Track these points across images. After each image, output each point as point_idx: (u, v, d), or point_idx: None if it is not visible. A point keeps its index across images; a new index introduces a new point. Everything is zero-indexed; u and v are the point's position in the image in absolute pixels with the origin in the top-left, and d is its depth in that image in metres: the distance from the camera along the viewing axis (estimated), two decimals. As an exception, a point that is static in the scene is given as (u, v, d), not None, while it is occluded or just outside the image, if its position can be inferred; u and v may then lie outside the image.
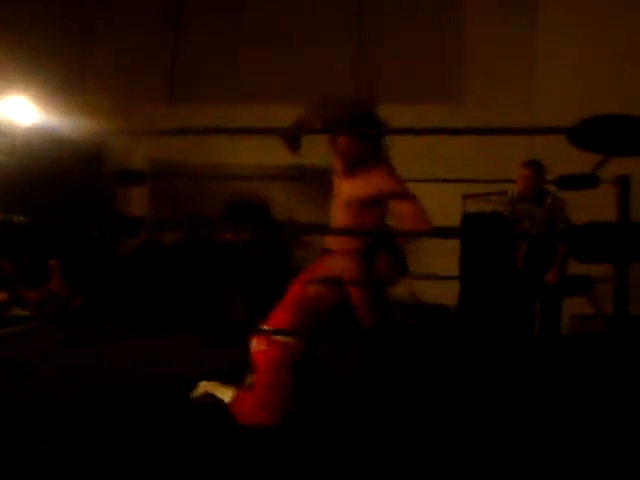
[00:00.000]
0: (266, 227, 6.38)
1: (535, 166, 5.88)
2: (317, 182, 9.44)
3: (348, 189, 3.97)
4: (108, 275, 9.38)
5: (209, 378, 4.16)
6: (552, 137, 2.70)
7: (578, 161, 3.43)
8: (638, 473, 2.81)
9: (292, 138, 4.01)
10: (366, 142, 3.88)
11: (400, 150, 9.01)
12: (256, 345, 3.77)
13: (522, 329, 6.10)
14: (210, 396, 3.99)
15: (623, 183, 2.78)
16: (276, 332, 3.67)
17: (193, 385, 4.15)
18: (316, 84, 10.17)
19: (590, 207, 3.52)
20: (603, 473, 2.95)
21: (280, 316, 3.77)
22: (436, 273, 7.62)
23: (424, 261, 8.32)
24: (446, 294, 8.73)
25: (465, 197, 8.94)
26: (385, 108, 9.19)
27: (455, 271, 8.70)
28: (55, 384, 4.47)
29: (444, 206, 8.68)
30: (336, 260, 3.78)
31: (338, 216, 4.01)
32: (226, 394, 3.92)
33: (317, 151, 4.15)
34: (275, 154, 4.31)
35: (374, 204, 3.93)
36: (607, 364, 3.01)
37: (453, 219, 8.66)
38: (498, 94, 9.40)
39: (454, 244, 8.78)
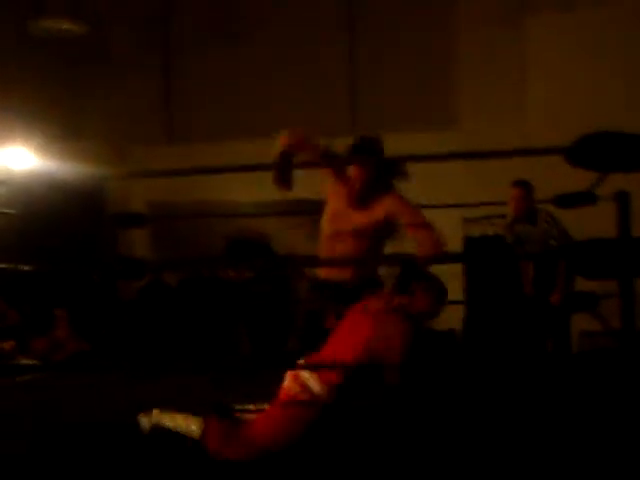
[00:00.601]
0: (267, 262, 6.39)
1: (524, 185, 5.89)
2: (315, 215, 9.48)
3: (360, 218, 3.95)
4: (112, 319, 9.36)
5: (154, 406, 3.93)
6: (549, 157, 2.71)
7: (578, 178, 3.44)
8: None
9: (284, 171, 3.95)
10: (378, 169, 3.87)
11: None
12: (290, 383, 3.59)
13: (531, 350, 6.08)
14: (161, 427, 3.77)
15: (623, 199, 2.79)
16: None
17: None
18: (313, 117, 10.24)
19: (589, 225, 3.52)
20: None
21: (330, 375, 3.54)
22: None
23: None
24: (452, 318, 8.71)
25: (466, 221, 8.96)
26: (386, 137, 9.24)
27: (459, 295, 8.70)
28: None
29: (445, 230, 8.70)
30: (379, 320, 3.58)
31: (345, 247, 3.97)
32: (183, 423, 3.71)
33: (315, 185, 4.16)
34: (273, 190, 4.29)
35: (388, 231, 3.94)
36: (616, 380, 3.00)
37: (454, 243, 8.68)
38: (492, 117, 9.46)
39: (457, 268, 8.79)
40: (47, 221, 8.67)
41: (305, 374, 3.52)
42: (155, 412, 3.81)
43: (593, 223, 3.77)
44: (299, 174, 3.95)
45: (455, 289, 8.54)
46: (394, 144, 8.35)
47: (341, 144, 4.18)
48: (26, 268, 2.89)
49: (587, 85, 9.07)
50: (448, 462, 3.34)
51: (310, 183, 4.21)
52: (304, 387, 3.50)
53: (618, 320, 2.80)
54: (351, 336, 3.58)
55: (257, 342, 8.24)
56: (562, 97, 9.17)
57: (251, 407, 3.86)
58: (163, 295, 9.52)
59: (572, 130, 1.94)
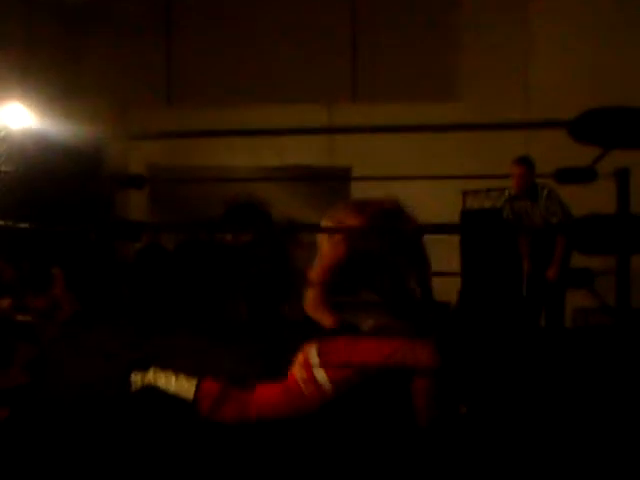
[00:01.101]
0: (265, 228, 6.38)
1: (526, 162, 5.88)
2: (313, 182, 9.49)
3: None
4: (109, 280, 9.37)
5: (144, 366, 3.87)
6: (549, 131, 2.70)
7: (577, 155, 3.43)
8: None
9: None
10: None
11: (400, 148, 9.07)
12: (299, 369, 3.54)
13: (525, 323, 6.10)
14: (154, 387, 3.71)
15: (622, 176, 2.78)
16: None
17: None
18: (314, 85, 10.19)
19: (589, 201, 3.52)
20: (608, 465, 2.95)
21: (340, 373, 3.48)
22: (436, 270, 7.61)
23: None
24: (447, 291, 8.74)
25: (465, 193, 8.96)
26: (385, 108, 9.25)
27: (455, 267, 8.71)
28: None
29: (444, 202, 8.75)
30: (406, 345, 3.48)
31: None
32: (177, 384, 3.68)
33: (312, 151, 4.14)
34: (271, 155, 4.26)
35: None
36: (610, 357, 3.01)
37: (453, 215, 8.68)
38: (495, 91, 9.41)
39: (454, 241, 8.80)
40: (44, 180, 8.64)
41: (316, 366, 3.49)
42: (150, 372, 3.77)
43: (592, 199, 3.76)
44: (296, 141, 3.90)
45: (452, 261, 8.60)
46: (394, 114, 8.37)
47: (341, 111, 4.13)
48: (22, 226, 2.88)
49: (590, 63, 9.03)
50: (442, 434, 3.35)
51: (307, 150, 4.18)
52: (311, 377, 3.47)
53: (612, 297, 2.80)
54: (376, 345, 3.52)
55: (254, 306, 8.26)
56: (565, 75, 9.13)
57: None
58: (160, 258, 9.53)
59: (574, 109, 1.92)
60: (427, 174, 6.95)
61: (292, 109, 9.15)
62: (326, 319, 3.69)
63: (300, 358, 3.59)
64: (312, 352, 3.57)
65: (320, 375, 3.46)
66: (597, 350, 5.57)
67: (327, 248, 3.75)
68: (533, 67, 9.41)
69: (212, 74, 10.66)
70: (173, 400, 3.62)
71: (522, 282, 6.21)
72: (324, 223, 3.82)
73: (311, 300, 3.76)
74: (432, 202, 8.88)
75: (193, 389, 3.61)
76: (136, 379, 3.76)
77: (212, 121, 8.82)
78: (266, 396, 3.60)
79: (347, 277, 3.77)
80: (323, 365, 3.47)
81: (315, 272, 3.78)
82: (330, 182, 9.67)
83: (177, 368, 4.29)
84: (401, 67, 10.07)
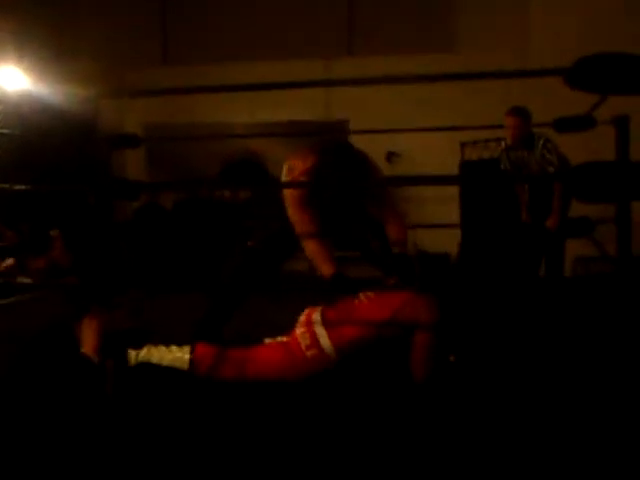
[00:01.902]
0: (263, 184, 6.35)
1: (520, 113, 5.83)
2: (311, 136, 9.44)
3: None
4: (107, 241, 9.37)
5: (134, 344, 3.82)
6: (547, 81, 2.68)
7: (575, 104, 3.40)
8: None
9: None
10: None
11: (397, 101, 9.01)
12: (302, 333, 3.53)
13: (525, 273, 6.11)
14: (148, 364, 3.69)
15: (622, 123, 2.76)
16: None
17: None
18: (311, 39, 10.12)
19: (588, 149, 3.50)
20: (602, 415, 2.98)
21: (343, 339, 3.45)
22: (437, 221, 7.64)
23: (424, 210, 8.38)
24: (447, 242, 8.77)
25: (463, 145, 8.94)
26: (382, 61, 9.15)
27: (455, 219, 8.73)
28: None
29: (443, 154, 8.74)
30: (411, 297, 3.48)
31: None
32: (171, 355, 3.65)
33: (309, 106, 4.11)
34: (268, 111, 4.24)
35: None
36: (611, 305, 3.01)
37: (452, 167, 8.68)
38: (494, 41, 9.34)
39: (454, 192, 8.80)
40: (41, 143, 8.61)
41: (320, 330, 3.48)
42: (145, 349, 3.73)
43: (592, 148, 3.74)
44: (293, 96, 3.89)
45: (452, 213, 8.61)
46: (391, 67, 8.28)
47: (338, 65, 4.10)
48: (20, 188, 2.87)
49: (590, 14, 8.92)
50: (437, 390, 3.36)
51: (304, 104, 4.15)
52: (315, 342, 3.46)
53: (612, 246, 2.80)
54: (378, 303, 3.51)
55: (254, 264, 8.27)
56: (564, 25, 9.03)
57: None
58: (159, 217, 9.52)
59: (574, 55, 1.91)
60: (425, 126, 6.91)
61: (288, 65, 9.10)
62: (325, 268, 3.71)
63: (303, 320, 3.58)
64: (316, 316, 3.55)
65: (323, 340, 3.45)
66: (598, 298, 5.58)
67: (284, 191, 3.88)
68: (531, 17, 9.31)
69: (208, 32, 10.59)
70: (168, 372, 3.61)
71: (521, 232, 6.21)
72: (283, 171, 3.97)
73: (307, 244, 3.80)
74: (430, 154, 8.91)
75: (187, 357, 3.59)
76: (130, 356, 3.74)
77: (208, 79, 8.78)
78: (266, 356, 3.58)
79: (320, 211, 3.85)
80: (327, 329, 3.46)
81: (289, 213, 3.86)
82: (328, 136, 9.64)
83: (175, 329, 4.28)
84: (397, 19, 10.00)
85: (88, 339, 3.13)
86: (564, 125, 3.39)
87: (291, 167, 3.87)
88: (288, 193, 3.86)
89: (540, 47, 8.76)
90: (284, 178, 3.97)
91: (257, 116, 9.41)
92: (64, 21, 10.10)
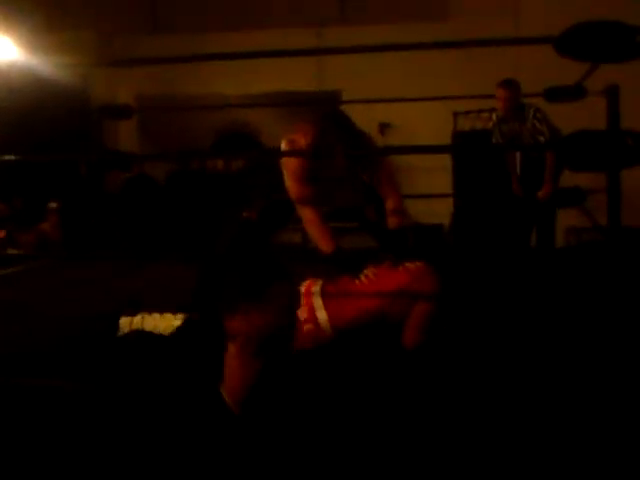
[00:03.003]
0: (255, 154, 6.34)
1: (510, 85, 5.82)
2: (304, 107, 9.42)
3: None
4: (98, 211, 9.37)
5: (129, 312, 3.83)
6: (539, 51, 2.68)
7: (566, 73, 3.40)
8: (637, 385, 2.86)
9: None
10: None
11: (390, 70, 8.97)
12: (300, 299, 3.40)
13: (516, 243, 6.14)
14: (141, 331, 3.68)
15: (612, 93, 2.77)
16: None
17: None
18: (302, 7, 10.05)
19: (579, 119, 3.50)
20: (595, 380, 3.00)
21: (342, 315, 3.36)
22: (430, 192, 7.64)
23: (417, 181, 8.37)
24: (440, 213, 8.78)
25: (456, 114, 8.92)
26: (374, 28, 9.09)
27: (448, 190, 8.74)
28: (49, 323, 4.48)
29: (436, 124, 8.73)
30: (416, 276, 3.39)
31: None
32: (164, 323, 3.66)
33: (302, 76, 4.09)
34: (260, 82, 4.22)
35: None
36: (601, 275, 3.03)
37: (445, 137, 8.67)
38: (484, 10, 9.28)
39: (446, 163, 8.81)
40: (32, 114, 8.57)
41: (318, 302, 3.38)
42: (139, 316, 3.73)
43: (583, 118, 3.74)
44: (285, 66, 3.87)
45: (445, 183, 8.62)
46: (384, 36, 8.24)
47: (330, 34, 4.08)
48: (9, 158, 2.85)
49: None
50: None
51: (296, 75, 4.14)
52: (312, 316, 3.35)
53: (603, 216, 2.82)
54: (380, 282, 3.41)
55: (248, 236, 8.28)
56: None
57: None
58: (148, 188, 9.52)
59: (566, 23, 1.90)
60: (417, 96, 6.89)
61: (280, 33, 9.04)
62: (324, 243, 3.71)
63: (302, 291, 3.52)
64: (316, 288, 3.50)
65: (320, 314, 3.35)
66: (588, 267, 5.61)
67: (283, 165, 3.83)
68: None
69: (198, 0, 10.49)
70: (161, 339, 3.60)
71: (512, 204, 6.23)
72: (282, 146, 3.89)
73: (307, 219, 3.79)
74: (423, 124, 8.89)
75: (180, 324, 3.58)
76: (124, 323, 3.73)
77: (199, 49, 8.72)
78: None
79: (319, 183, 3.82)
80: (326, 303, 3.37)
81: (288, 187, 3.83)
82: (321, 107, 9.61)
83: (166, 299, 4.28)
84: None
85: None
86: (555, 95, 3.39)
87: (291, 141, 3.85)
88: (288, 167, 3.84)
89: (532, 15, 8.72)
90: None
91: (249, 87, 9.36)
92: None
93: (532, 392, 2.94)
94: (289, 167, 3.82)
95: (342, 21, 10.06)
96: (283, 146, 3.90)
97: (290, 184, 3.84)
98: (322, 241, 3.72)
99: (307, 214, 3.80)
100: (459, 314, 3.97)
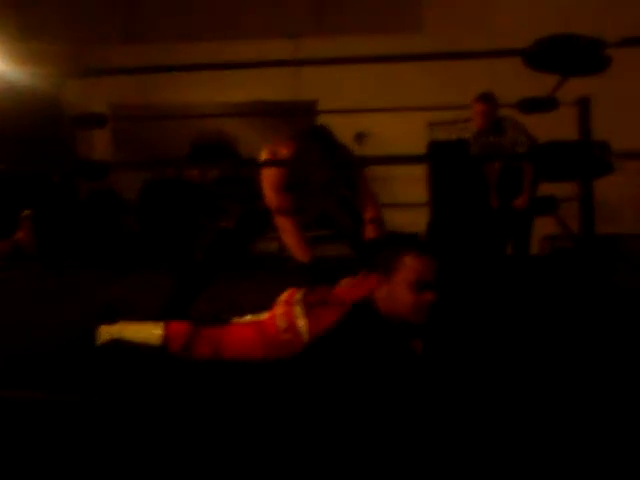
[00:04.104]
0: (231, 163, 6.35)
1: (488, 99, 5.85)
2: (279, 117, 9.43)
3: None
4: (72, 221, 9.34)
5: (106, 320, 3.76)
6: (513, 61, 2.71)
7: (541, 83, 3.44)
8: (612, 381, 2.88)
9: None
10: None
11: (366, 81, 9.01)
12: (281, 314, 3.40)
13: (493, 252, 6.17)
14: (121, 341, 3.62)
15: (584, 104, 2.81)
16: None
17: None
18: (278, 19, 10.08)
19: (551, 130, 3.54)
20: (572, 386, 3.02)
21: (321, 325, 3.29)
22: (406, 201, 7.68)
23: (394, 190, 8.41)
24: (417, 222, 8.81)
25: (431, 125, 8.98)
26: (350, 39, 9.12)
27: (423, 199, 8.79)
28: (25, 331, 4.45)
29: (411, 134, 8.77)
30: None
31: None
32: (144, 332, 3.60)
33: (278, 86, 4.11)
34: (236, 91, 4.23)
35: None
36: (575, 280, 3.06)
37: (420, 147, 8.71)
38: (459, 21, 9.36)
39: (423, 172, 8.86)
40: (5, 124, 8.52)
41: (299, 311, 3.36)
42: (118, 325, 3.68)
43: (555, 128, 3.78)
44: (261, 76, 3.88)
45: (421, 193, 8.66)
46: (360, 47, 8.29)
47: (306, 44, 4.11)
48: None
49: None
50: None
51: (272, 84, 4.15)
52: (291, 325, 3.33)
53: (577, 224, 2.85)
54: (356, 289, 3.40)
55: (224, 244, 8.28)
56: (529, 4, 9.10)
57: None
58: (113, 202, 9.55)
59: (539, 36, 1.93)
60: (393, 106, 6.92)
61: (257, 44, 9.05)
62: (300, 253, 3.74)
63: (284, 299, 3.52)
64: (298, 296, 3.50)
65: (300, 322, 3.32)
66: (560, 275, 5.65)
67: (263, 176, 3.88)
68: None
69: (173, 9, 10.48)
70: (141, 349, 3.58)
71: (488, 218, 6.26)
72: (263, 156, 3.93)
73: (284, 229, 3.82)
74: (400, 133, 8.93)
75: (160, 333, 3.53)
76: (103, 332, 3.70)
77: (173, 58, 8.71)
78: (240, 335, 3.54)
79: (298, 194, 3.86)
80: (306, 311, 3.34)
81: (267, 198, 3.87)
82: (297, 116, 9.63)
83: (145, 308, 4.26)
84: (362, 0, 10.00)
85: None
86: (528, 106, 3.43)
87: (272, 152, 3.88)
88: (267, 177, 3.86)
89: (506, 26, 8.79)
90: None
91: (225, 96, 9.36)
92: (25, 0, 9.97)
93: (508, 399, 2.95)
94: (269, 177, 3.85)
95: (319, 31, 10.09)
96: (264, 156, 3.92)
97: (269, 194, 3.87)
98: (298, 251, 3.75)
99: (284, 224, 3.83)
100: (435, 321, 3.99)
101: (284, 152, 3.84)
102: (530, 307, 4.72)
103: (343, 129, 4.67)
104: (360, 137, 9.65)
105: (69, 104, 9.86)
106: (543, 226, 7.11)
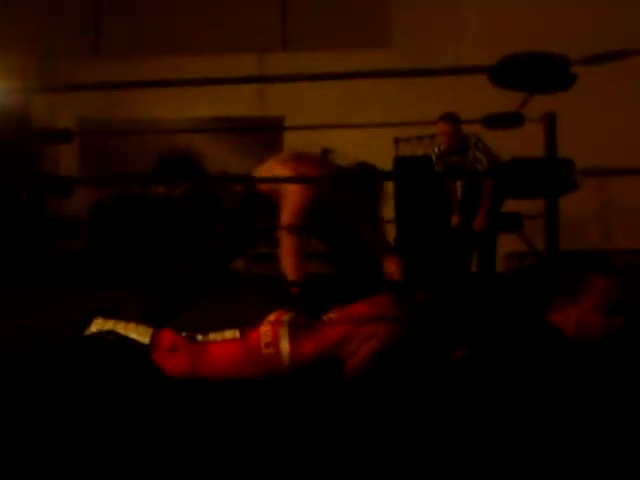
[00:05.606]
0: (198, 180, 6.32)
1: (452, 119, 5.89)
2: (246, 133, 9.42)
3: None
4: (41, 237, 9.24)
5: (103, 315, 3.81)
6: (479, 77, 2.73)
7: (506, 100, 3.46)
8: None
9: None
10: None
11: (332, 96, 9.02)
12: (266, 332, 3.43)
13: (458, 269, 6.19)
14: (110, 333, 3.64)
15: (549, 120, 2.83)
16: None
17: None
18: (244, 34, 10.09)
19: (517, 146, 3.57)
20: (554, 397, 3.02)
21: (305, 349, 3.37)
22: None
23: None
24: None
25: (397, 141, 9.00)
26: (316, 56, 9.14)
27: (390, 215, 8.80)
28: None
29: (377, 150, 8.78)
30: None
31: None
32: (136, 330, 3.64)
33: (244, 102, 4.10)
34: (203, 107, 4.22)
35: None
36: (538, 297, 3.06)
37: (386, 163, 8.73)
38: (429, 37, 9.42)
39: (389, 189, 8.87)
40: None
41: (285, 332, 3.40)
42: (111, 322, 3.68)
43: (520, 144, 3.81)
44: (227, 91, 3.88)
45: (387, 209, 8.67)
46: (325, 62, 8.30)
47: (272, 60, 4.12)
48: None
49: (523, 7, 9.05)
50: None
51: (238, 100, 4.14)
52: (275, 342, 3.37)
53: (542, 241, 2.86)
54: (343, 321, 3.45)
55: (189, 260, 8.24)
56: (497, 19, 9.16)
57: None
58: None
59: (507, 52, 1.94)
60: (359, 122, 6.95)
61: (222, 59, 9.04)
62: (294, 275, 3.76)
63: (271, 319, 3.51)
64: (285, 319, 3.47)
65: (283, 343, 3.35)
66: (521, 292, 5.66)
67: (294, 193, 3.82)
68: (465, 13, 9.41)
69: (141, 24, 10.45)
70: (130, 342, 3.58)
71: (450, 238, 6.28)
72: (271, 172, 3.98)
73: (289, 247, 3.81)
74: (365, 150, 8.94)
75: (149, 335, 3.56)
76: (97, 322, 3.69)
77: (141, 73, 8.67)
78: (221, 354, 3.49)
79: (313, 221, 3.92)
80: (291, 334, 3.38)
81: (287, 217, 3.83)
82: (263, 132, 9.64)
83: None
84: (331, 14, 10.03)
85: None
86: (493, 122, 3.44)
87: (294, 169, 3.90)
88: (296, 194, 3.82)
89: (474, 41, 8.86)
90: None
91: (191, 111, 9.34)
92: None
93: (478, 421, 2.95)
94: (298, 194, 3.82)
95: (284, 47, 10.12)
96: (281, 172, 3.96)
97: (296, 210, 3.83)
98: (292, 272, 3.75)
99: (290, 242, 3.81)
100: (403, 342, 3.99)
101: (312, 172, 3.90)
102: (489, 325, 4.73)
103: (309, 145, 4.69)
104: (327, 153, 9.65)
105: (37, 118, 9.77)
106: (508, 243, 7.15)
